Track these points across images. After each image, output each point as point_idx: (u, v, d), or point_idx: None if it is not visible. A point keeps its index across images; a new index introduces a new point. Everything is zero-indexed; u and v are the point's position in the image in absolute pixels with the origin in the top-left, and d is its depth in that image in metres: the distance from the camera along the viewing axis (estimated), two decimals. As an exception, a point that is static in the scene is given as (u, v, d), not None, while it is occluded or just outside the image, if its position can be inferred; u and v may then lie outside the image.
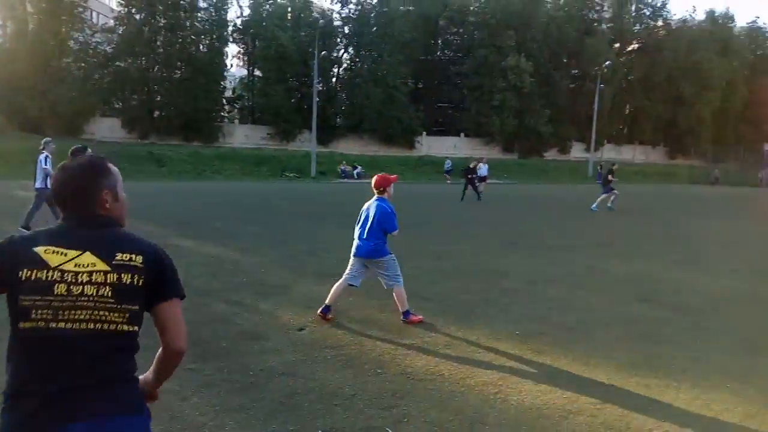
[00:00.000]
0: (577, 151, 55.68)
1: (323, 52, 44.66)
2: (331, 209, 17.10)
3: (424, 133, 51.13)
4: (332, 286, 5.54)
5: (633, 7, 59.12)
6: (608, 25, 57.63)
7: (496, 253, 9.66)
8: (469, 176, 21.35)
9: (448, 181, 33.91)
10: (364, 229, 5.42)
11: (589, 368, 4.32)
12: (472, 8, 53.28)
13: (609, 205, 18.21)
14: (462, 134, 52.83)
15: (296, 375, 4.04)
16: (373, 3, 48.19)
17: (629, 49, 59.26)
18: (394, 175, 5.79)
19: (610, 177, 18.36)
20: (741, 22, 62.79)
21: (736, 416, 3.54)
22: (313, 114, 37.06)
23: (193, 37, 43.33)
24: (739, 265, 9.09)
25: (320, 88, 45.92)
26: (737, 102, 58.74)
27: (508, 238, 11.71)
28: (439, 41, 56.09)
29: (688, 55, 55.68)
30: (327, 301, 5.49)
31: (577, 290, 7.04)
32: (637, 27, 59.12)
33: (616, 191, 18.37)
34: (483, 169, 25.60)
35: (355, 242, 5.51)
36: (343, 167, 38.92)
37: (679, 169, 53.86)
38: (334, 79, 51.28)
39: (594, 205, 18.19)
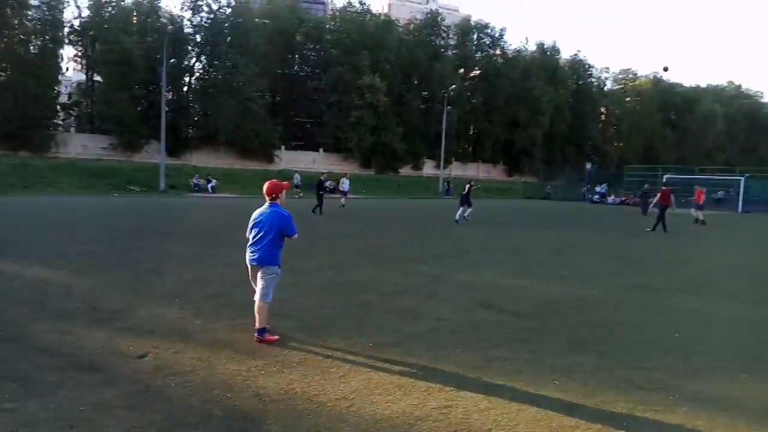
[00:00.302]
0: (428, 168, 58.79)
1: (172, 60, 42.43)
2: (182, 225, 16.22)
3: (283, 147, 50.69)
4: (179, 307, 5.23)
5: (475, 36, 64.21)
6: (453, 52, 62.01)
7: (353, 267, 9.81)
8: (320, 191, 21.57)
9: (300, 195, 33.80)
10: (259, 237, 5.34)
11: (437, 374, 4.53)
12: (328, 26, 54.27)
13: (456, 217, 19.64)
14: (321, 149, 53.23)
15: (135, 407, 3.73)
16: (227, 13, 46.91)
17: (472, 74, 64.13)
18: (286, 182, 5.80)
19: (468, 190, 20.20)
20: (565, 54, 70.88)
21: (560, 409, 3.92)
22: (162, 124, 35.02)
23: (22, 36, 38.75)
24: (566, 272, 10.14)
25: (170, 97, 43.54)
26: (563, 126, 66.12)
27: (365, 251, 11.96)
28: (297, 56, 56.21)
29: (522, 82, 61.71)
30: (258, 326, 5.27)
31: (427, 300, 7.38)
32: (479, 55, 64.23)
33: (462, 207, 19.98)
34: (345, 184, 26.26)
35: (249, 252, 5.41)
36: (195, 180, 37.21)
37: (516, 185, 59.13)
38: (185, 89, 48.93)
39: (467, 217, 19.92)
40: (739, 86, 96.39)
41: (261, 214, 5.43)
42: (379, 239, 14.63)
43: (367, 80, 49.37)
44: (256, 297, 5.32)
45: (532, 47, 68.45)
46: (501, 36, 64.64)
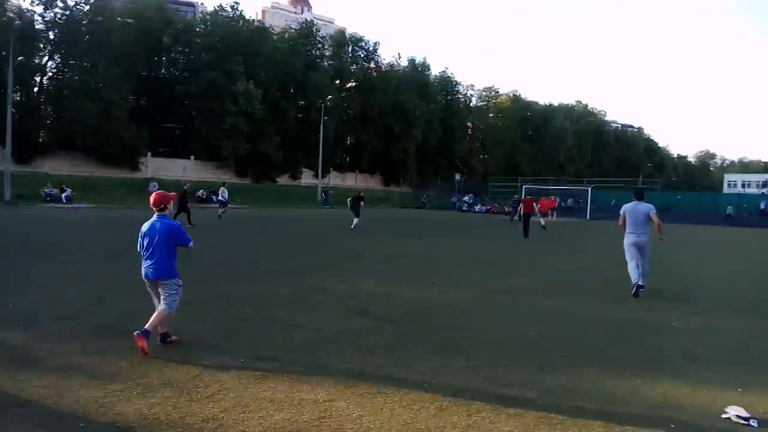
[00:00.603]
0: (307, 178, 58.58)
1: (20, 57, 38.36)
2: (27, 239, 14.64)
3: (149, 153, 47.79)
4: (24, 330, 4.70)
5: (350, 49, 65.28)
6: (329, 63, 62.56)
7: (227, 280, 9.45)
8: (184, 202, 20.52)
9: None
10: (152, 250, 5.33)
11: (311, 385, 4.48)
12: (198, 29, 52.20)
13: (353, 227, 20.34)
14: (192, 157, 50.92)
15: (-35, 447, 3.28)
16: (85, 10, 43.37)
17: (348, 86, 65.10)
18: (173, 193, 6.07)
19: (361, 203, 21.27)
20: (435, 71, 74.39)
21: (429, 411, 4.06)
22: (7, 127, 31.48)
23: None
24: (438, 278, 10.57)
25: (17, 98, 39.35)
26: (434, 139, 69.28)
27: (240, 263, 11.58)
28: (164, 59, 53.41)
29: (396, 96, 63.76)
30: (147, 326, 5.21)
31: (304, 311, 7.30)
32: (354, 67, 65.36)
33: (358, 218, 20.86)
34: (224, 194, 25.75)
35: (145, 265, 5.40)
36: (48, 190, 33.91)
37: (393, 194, 60.82)
38: (35, 89, 44.45)
39: (353, 228, 20.48)
40: (586, 105, 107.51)
41: (150, 227, 5.40)
42: (255, 250, 14.25)
43: (241, 87, 48.19)
44: (160, 306, 5.33)
45: (404, 62, 71.05)
46: (375, 50, 66.45)
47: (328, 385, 4.51)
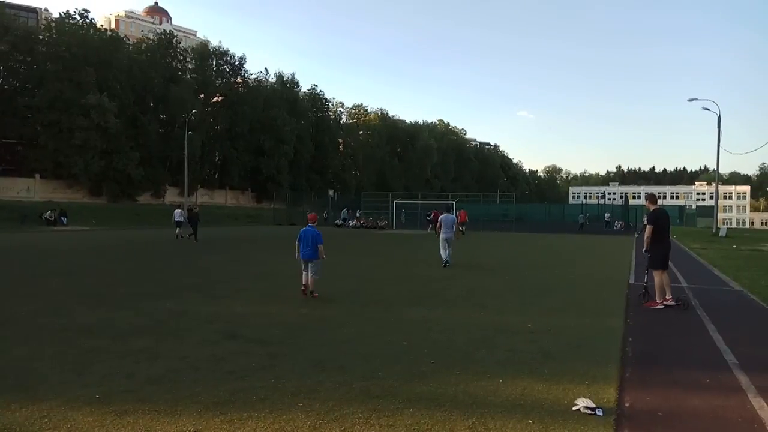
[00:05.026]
0: (171, 196, 55.55)
1: None
2: None
3: (-16, 172, 42.57)
4: None
5: (214, 62, 63.20)
6: (192, 76, 60.03)
7: (77, 309, 8.61)
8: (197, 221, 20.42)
9: None
10: (307, 243, 9.82)
11: (177, 417, 4.22)
12: (41, 37, 47.60)
13: None
14: (37, 175, 46.12)
15: None
16: None
17: (214, 100, 62.92)
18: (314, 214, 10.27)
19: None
20: (304, 87, 74.39)
21: (304, 431, 3.99)
22: None
23: None
24: (317, 293, 10.47)
25: None
26: (306, 155, 69.14)
27: (92, 290, 10.62)
28: (1, 68, 47.85)
29: (265, 111, 62.78)
30: (304, 281, 10.09)
31: (166, 338, 6.86)
32: (219, 81, 63.35)
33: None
34: (181, 215, 26.68)
35: (302, 252, 9.88)
36: None
37: (266, 211, 59.58)
38: None
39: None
40: (448, 124, 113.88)
41: (304, 231, 9.94)
42: (109, 276, 13.16)
43: (93, 99, 44.64)
44: (311, 276, 9.95)
45: (272, 78, 70.22)
46: (241, 64, 64.93)
47: (195, 415, 4.27)
